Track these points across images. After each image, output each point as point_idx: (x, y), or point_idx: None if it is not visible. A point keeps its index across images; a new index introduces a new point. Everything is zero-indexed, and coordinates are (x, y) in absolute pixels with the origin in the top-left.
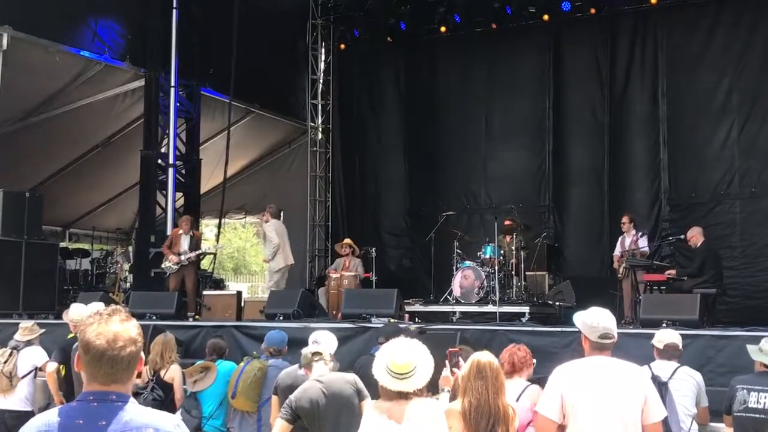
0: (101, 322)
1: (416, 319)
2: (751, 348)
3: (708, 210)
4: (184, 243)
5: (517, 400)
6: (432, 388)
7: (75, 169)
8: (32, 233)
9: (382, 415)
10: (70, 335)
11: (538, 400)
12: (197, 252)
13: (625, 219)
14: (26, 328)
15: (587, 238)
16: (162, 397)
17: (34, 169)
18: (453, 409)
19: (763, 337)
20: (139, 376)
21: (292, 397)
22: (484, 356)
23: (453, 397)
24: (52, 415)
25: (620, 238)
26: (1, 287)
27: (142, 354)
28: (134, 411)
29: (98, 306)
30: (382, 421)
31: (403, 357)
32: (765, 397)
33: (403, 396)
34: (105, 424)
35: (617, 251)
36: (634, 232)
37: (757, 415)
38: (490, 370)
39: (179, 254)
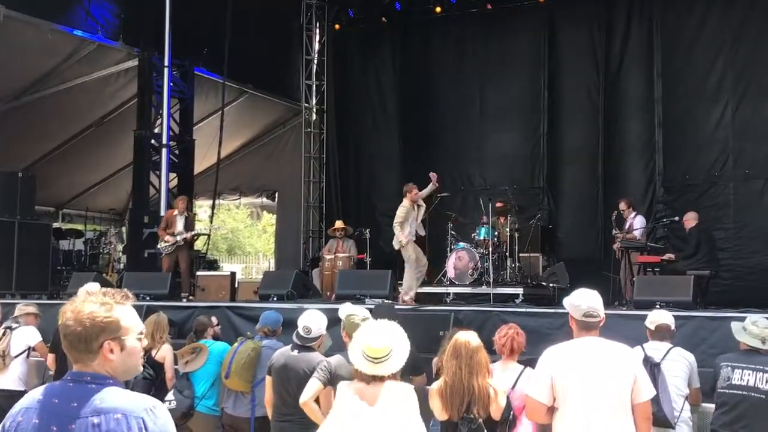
0: (77, 300)
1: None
2: (735, 327)
3: (702, 192)
4: (180, 224)
5: (514, 385)
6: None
7: (68, 149)
8: (25, 213)
9: (355, 395)
10: None
11: None
12: (193, 232)
13: (623, 205)
14: (19, 307)
15: (581, 220)
16: (152, 376)
17: (27, 148)
18: (434, 389)
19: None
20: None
21: (332, 361)
22: (462, 336)
23: (437, 376)
24: (37, 393)
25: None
26: None
27: (116, 343)
28: (106, 394)
29: (94, 286)
30: (355, 402)
31: (379, 341)
32: (749, 375)
33: (378, 379)
34: (76, 406)
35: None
36: (633, 214)
37: (739, 392)
38: (465, 350)
39: (174, 234)
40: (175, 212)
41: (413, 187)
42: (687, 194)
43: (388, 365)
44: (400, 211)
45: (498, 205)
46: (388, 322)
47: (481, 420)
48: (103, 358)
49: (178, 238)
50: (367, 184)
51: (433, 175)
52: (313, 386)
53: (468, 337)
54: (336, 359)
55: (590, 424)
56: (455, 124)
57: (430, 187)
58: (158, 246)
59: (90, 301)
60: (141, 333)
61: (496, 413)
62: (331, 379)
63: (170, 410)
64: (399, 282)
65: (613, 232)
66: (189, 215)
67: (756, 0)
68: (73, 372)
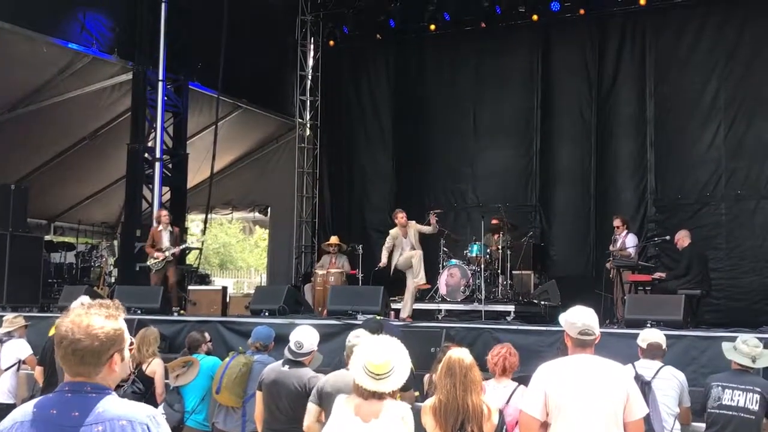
0: (78, 313)
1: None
2: (726, 347)
3: (694, 211)
4: (165, 239)
5: (508, 401)
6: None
7: (61, 161)
8: (17, 226)
9: (351, 411)
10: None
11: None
12: (181, 247)
13: (617, 222)
14: (8, 320)
15: (573, 238)
16: (142, 390)
17: (20, 161)
18: (426, 406)
19: None
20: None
21: (322, 378)
22: (456, 353)
23: (428, 394)
24: (29, 406)
25: (612, 239)
26: None
27: (120, 354)
28: (108, 403)
29: (84, 300)
30: (350, 418)
31: (381, 357)
32: (738, 395)
33: (377, 396)
34: (78, 415)
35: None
36: (625, 233)
37: (729, 412)
38: (459, 368)
39: (162, 249)
40: (159, 227)
41: (398, 212)
42: (679, 213)
43: (389, 382)
44: (388, 239)
45: (493, 222)
46: (390, 339)
47: None
48: (109, 370)
49: (167, 253)
50: (360, 200)
51: (432, 218)
52: (310, 410)
53: (461, 355)
54: (326, 377)
55: None
56: (449, 141)
57: (429, 229)
58: (148, 263)
59: (95, 314)
60: (132, 343)
61: (489, 431)
62: (320, 399)
63: None
64: (392, 299)
65: (611, 248)
66: (174, 230)
67: (748, 20)
68: (70, 383)
